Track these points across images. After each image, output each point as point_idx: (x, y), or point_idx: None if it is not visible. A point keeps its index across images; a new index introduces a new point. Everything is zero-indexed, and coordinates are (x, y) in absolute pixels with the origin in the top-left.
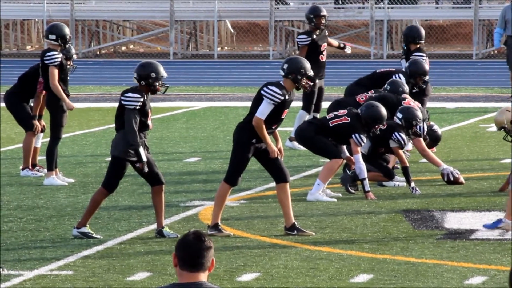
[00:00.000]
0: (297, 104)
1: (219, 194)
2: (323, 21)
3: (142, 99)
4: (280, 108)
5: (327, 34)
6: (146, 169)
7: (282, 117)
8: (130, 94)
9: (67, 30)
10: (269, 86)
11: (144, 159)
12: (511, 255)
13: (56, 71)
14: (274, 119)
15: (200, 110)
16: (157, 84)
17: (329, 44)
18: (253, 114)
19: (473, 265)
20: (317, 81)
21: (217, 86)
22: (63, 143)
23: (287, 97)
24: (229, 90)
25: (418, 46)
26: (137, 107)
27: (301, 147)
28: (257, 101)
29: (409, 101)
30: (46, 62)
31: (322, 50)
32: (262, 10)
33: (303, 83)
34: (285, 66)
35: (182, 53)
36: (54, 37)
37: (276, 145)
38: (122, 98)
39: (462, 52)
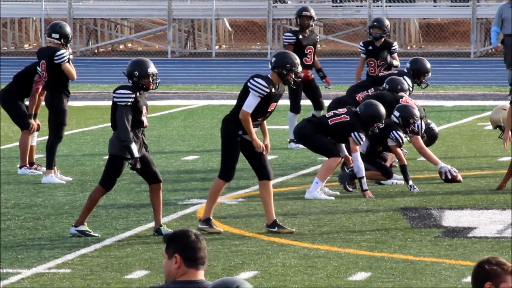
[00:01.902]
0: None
1: (213, 190)
2: (306, 21)
3: (133, 95)
4: (266, 101)
5: (317, 38)
6: (138, 166)
7: (269, 110)
8: (121, 91)
9: (69, 29)
10: (255, 79)
11: (136, 155)
12: (509, 253)
13: (69, 66)
14: (260, 112)
15: (198, 109)
16: (145, 81)
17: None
18: (240, 107)
19: (471, 263)
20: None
21: (215, 84)
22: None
23: (273, 90)
24: (227, 88)
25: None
26: (129, 104)
27: (301, 146)
28: (244, 94)
29: (406, 99)
30: (58, 61)
31: (306, 52)
32: (260, 9)
33: (288, 78)
34: (273, 59)
35: (180, 52)
36: (57, 36)
37: (264, 140)
38: (114, 95)
39: (460, 50)
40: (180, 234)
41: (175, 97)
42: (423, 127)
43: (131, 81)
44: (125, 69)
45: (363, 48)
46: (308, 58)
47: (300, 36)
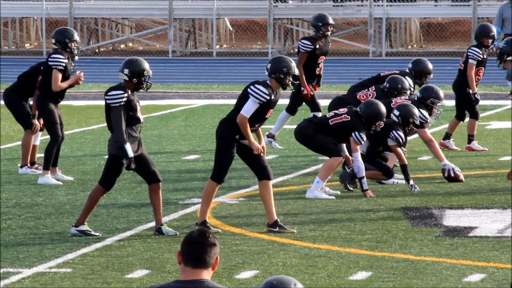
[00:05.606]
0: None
1: (206, 192)
2: (330, 29)
3: (125, 95)
4: (265, 107)
5: (328, 49)
6: (133, 166)
7: (266, 116)
8: (113, 92)
9: (66, 34)
10: (256, 85)
11: (130, 155)
12: (510, 252)
13: (59, 76)
14: (258, 118)
15: (199, 108)
16: (141, 80)
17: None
18: (237, 111)
19: (471, 263)
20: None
21: (216, 84)
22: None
23: (272, 97)
24: (228, 88)
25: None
26: (122, 103)
27: (278, 145)
28: (243, 98)
29: (397, 101)
30: (50, 63)
31: (318, 62)
32: (260, 8)
33: (287, 82)
34: (268, 66)
35: (181, 51)
36: (53, 40)
37: (259, 142)
38: (106, 97)
39: (461, 50)
40: (189, 232)
41: (176, 96)
42: (427, 116)
43: (126, 79)
44: (126, 70)
45: (481, 57)
46: (320, 68)
47: (317, 46)
